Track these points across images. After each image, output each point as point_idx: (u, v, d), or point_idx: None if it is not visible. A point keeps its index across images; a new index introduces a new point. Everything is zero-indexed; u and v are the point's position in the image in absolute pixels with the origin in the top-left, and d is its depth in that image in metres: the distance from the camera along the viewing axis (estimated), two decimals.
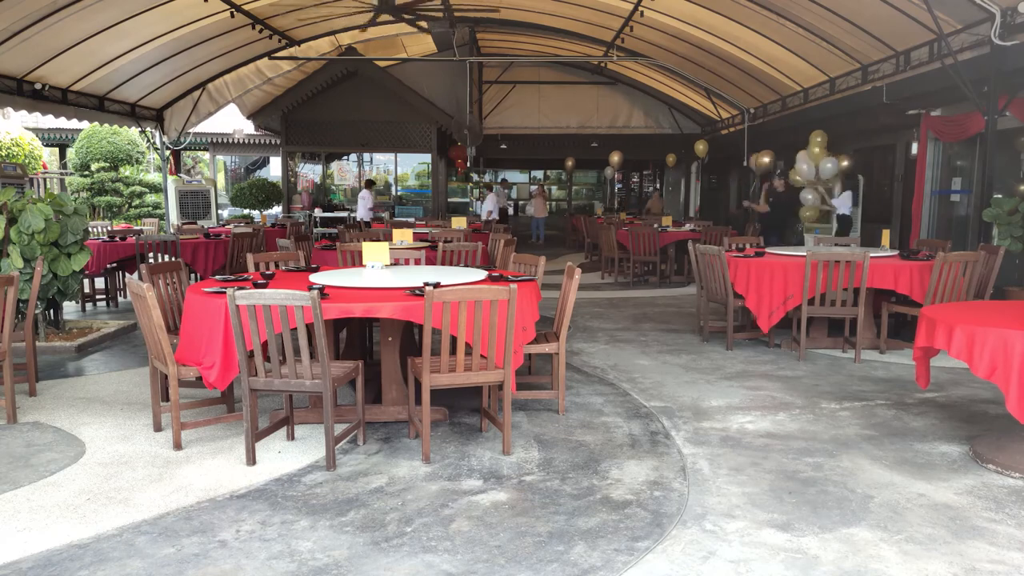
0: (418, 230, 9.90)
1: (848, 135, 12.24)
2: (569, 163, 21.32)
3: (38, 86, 9.53)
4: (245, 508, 3.47)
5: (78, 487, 3.72)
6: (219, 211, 15.55)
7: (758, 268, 6.59)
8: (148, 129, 12.93)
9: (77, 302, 9.15)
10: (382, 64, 15.73)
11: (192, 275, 9.28)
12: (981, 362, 3.76)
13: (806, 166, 11.09)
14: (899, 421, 4.76)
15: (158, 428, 4.55)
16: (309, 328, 3.91)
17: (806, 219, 11.58)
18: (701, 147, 16.63)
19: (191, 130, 13.66)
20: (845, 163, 11.16)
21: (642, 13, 10.99)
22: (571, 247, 18.33)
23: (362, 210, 15.46)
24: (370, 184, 16.30)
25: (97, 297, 9.47)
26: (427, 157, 17.77)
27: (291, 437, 4.38)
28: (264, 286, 4.43)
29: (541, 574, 2.89)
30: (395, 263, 6.02)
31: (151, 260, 8.85)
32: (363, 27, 12.71)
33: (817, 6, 8.61)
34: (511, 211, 22.74)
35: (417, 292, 4.17)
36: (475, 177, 23.02)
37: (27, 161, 15.62)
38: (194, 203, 14.71)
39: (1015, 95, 7.49)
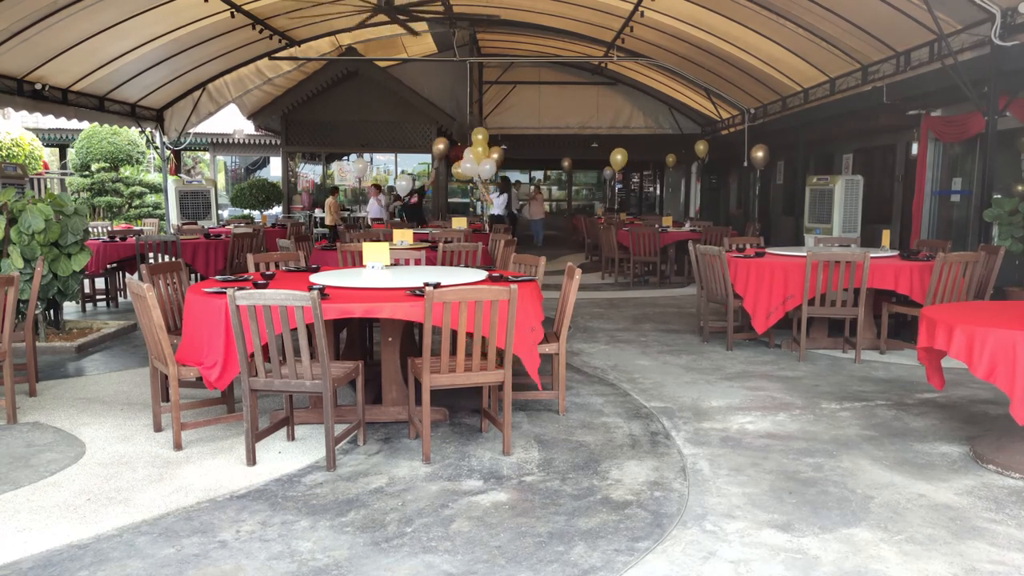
0: (418, 230, 9.90)
1: (848, 135, 12.24)
2: (565, 163, 21.27)
3: (38, 86, 9.53)
4: (245, 508, 3.47)
5: (78, 487, 3.72)
6: (219, 211, 15.52)
7: (758, 268, 6.59)
8: (148, 129, 12.93)
9: (77, 302, 9.14)
10: (382, 64, 15.72)
11: (192, 275, 9.28)
12: (980, 363, 3.76)
13: (469, 164, 11.93)
14: (899, 421, 4.76)
15: (158, 428, 4.55)
16: (309, 328, 3.91)
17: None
18: (701, 147, 16.62)
19: (191, 130, 13.65)
20: (495, 156, 12.17)
21: (642, 13, 10.98)
22: (571, 247, 18.32)
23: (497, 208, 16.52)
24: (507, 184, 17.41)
25: (97, 297, 9.47)
26: (427, 157, 17.76)
27: (291, 437, 4.38)
28: (264, 286, 4.43)
29: (541, 574, 2.89)
30: (395, 263, 6.02)
31: (151, 260, 8.85)
32: (362, 25, 12.70)
33: (817, 6, 8.61)
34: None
35: (417, 292, 4.16)
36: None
37: (27, 161, 15.63)
38: (194, 203, 14.69)
39: (1015, 95, 7.49)
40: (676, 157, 18.68)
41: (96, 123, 14.14)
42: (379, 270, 5.08)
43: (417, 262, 6.32)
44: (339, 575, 2.89)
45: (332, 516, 3.39)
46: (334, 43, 14.31)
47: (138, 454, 4.17)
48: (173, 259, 8.47)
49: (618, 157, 16.19)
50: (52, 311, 7.17)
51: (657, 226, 11.89)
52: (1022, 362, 3.65)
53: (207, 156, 23.96)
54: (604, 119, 18.50)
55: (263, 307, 3.73)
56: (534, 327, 4.51)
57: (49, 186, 18.61)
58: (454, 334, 3.97)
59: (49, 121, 12.16)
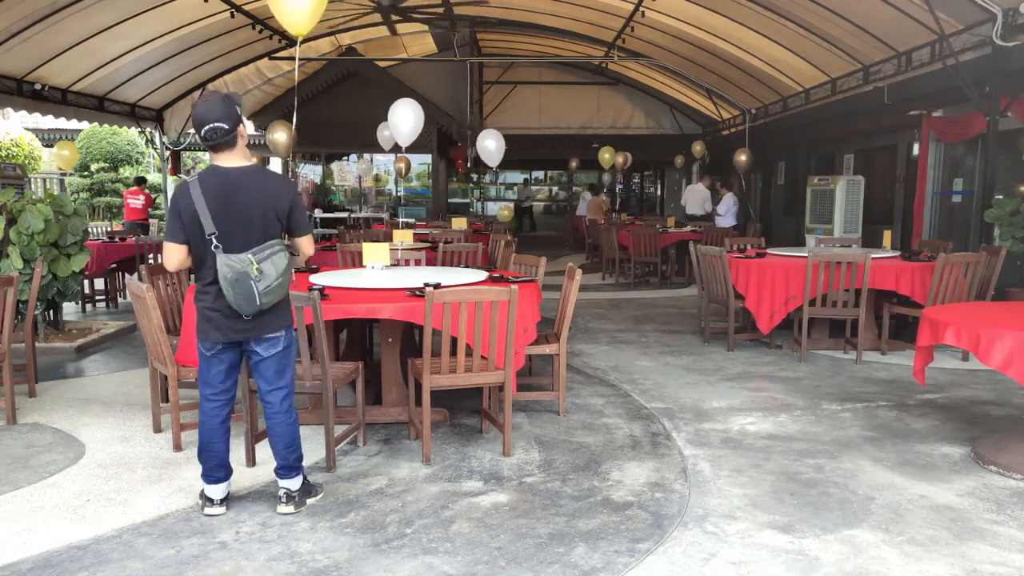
0: (418, 231, 9.88)
1: (849, 136, 12.23)
2: (573, 163, 21.25)
3: (38, 86, 9.53)
4: (245, 509, 3.46)
5: (78, 488, 3.71)
6: None
7: (759, 269, 6.57)
8: (148, 129, 12.93)
9: (77, 303, 9.13)
10: (382, 64, 15.71)
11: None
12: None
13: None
14: (900, 422, 4.75)
15: (158, 429, 4.54)
16: (309, 329, 3.90)
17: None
18: (698, 147, 16.58)
19: (191, 130, 13.66)
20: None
21: (643, 13, 10.97)
22: (572, 248, 18.31)
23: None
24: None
25: (97, 298, 9.46)
26: (427, 157, 17.74)
27: None
28: None
29: None
30: (395, 264, 6.01)
31: (151, 261, 8.84)
32: (361, 25, 12.70)
33: (819, 7, 8.60)
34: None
35: (417, 293, 4.16)
36: (475, 177, 22.97)
37: (27, 161, 15.63)
38: None
39: (1017, 96, 7.47)
40: (684, 158, 18.64)
41: (96, 123, 14.14)
42: (379, 270, 5.07)
43: (417, 262, 6.31)
44: None
45: (332, 517, 3.38)
46: (334, 43, 14.31)
47: (138, 455, 4.16)
48: None
49: (605, 156, 16.04)
50: (52, 312, 7.16)
51: (658, 226, 11.88)
52: None
53: (207, 156, 23.98)
54: (605, 119, 18.49)
55: None
56: (527, 328, 4.51)
57: (49, 186, 18.62)
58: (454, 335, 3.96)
59: (49, 121, 12.16)
